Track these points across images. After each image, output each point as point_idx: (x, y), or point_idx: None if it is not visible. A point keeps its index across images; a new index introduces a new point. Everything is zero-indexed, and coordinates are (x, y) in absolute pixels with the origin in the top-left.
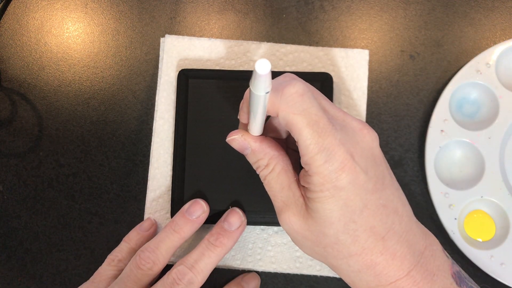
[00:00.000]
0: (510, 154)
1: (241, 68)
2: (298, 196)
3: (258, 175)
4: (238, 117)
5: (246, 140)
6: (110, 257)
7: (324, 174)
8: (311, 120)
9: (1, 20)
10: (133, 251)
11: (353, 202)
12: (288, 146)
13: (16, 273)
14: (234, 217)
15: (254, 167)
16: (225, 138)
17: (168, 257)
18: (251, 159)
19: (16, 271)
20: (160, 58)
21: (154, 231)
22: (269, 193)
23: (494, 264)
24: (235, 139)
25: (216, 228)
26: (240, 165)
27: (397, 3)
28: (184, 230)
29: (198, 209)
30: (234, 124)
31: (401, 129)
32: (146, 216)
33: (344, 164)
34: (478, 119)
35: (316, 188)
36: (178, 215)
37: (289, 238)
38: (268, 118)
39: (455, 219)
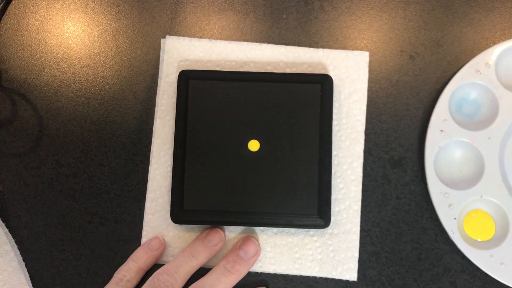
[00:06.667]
0: (510, 154)
1: (241, 69)
2: None
3: (257, 176)
4: None
5: None
6: (117, 276)
7: None
8: None
9: (2, 20)
10: (141, 271)
11: None
12: None
13: None
14: (251, 246)
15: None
16: (225, 139)
17: (185, 282)
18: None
19: None
20: (161, 59)
21: (163, 250)
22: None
23: (493, 263)
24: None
25: (232, 255)
26: (240, 166)
27: (397, 3)
28: (202, 256)
29: (217, 238)
30: (234, 125)
31: (400, 129)
32: (146, 216)
33: None
34: (478, 119)
35: None
36: (197, 241)
37: (289, 240)
38: None
39: (455, 219)
